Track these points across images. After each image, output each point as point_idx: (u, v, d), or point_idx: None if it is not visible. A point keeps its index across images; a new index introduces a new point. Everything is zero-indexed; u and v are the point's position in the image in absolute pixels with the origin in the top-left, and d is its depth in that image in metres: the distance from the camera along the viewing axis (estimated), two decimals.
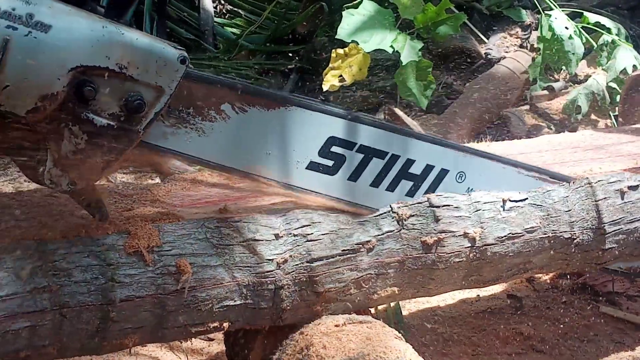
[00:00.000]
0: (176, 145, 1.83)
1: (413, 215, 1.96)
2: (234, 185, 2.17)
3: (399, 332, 1.86)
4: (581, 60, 4.14)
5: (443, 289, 2.08)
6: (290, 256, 1.84)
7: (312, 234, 1.87)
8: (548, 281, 2.79)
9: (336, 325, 1.83)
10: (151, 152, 1.83)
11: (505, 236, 2.03)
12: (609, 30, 4.16)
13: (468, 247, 1.99)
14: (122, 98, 1.68)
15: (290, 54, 4.91)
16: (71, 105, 1.64)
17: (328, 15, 4.76)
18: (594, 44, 4.16)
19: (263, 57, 4.96)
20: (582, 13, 4.25)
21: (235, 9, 5.37)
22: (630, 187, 2.19)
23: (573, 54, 3.96)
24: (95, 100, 1.66)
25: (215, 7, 5.29)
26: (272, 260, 1.82)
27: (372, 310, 2.10)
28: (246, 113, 1.86)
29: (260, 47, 4.98)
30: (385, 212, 1.95)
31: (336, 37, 3.59)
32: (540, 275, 2.71)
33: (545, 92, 4.40)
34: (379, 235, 1.92)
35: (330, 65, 3.62)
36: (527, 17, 5.01)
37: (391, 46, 3.59)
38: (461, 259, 1.99)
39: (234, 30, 5.21)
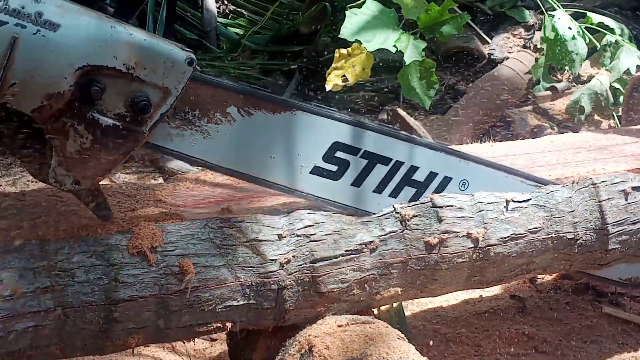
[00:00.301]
0: (181, 147, 1.83)
1: (416, 216, 1.96)
2: (237, 185, 2.18)
3: (402, 333, 1.86)
4: (584, 61, 4.13)
5: (446, 290, 2.08)
6: (294, 256, 1.84)
7: (315, 234, 1.87)
8: (551, 282, 2.78)
9: (339, 326, 1.84)
10: (156, 153, 1.83)
11: (508, 237, 2.03)
12: (612, 31, 4.15)
13: (471, 247, 1.99)
14: (128, 98, 1.68)
15: (294, 54, 4.90)
16: (77, 105, 1.65)
17: (331, 15, 4.76)
18: (597, 44, 4.15)
19: (266, 57, 4.95)
20: (586, 13, 4.24)
21: (238, 9, 5.37)
22: (634, 188, 2.19)
23: (576, 54, 3.96)
24: (102, 100, 1.66)
25: (218, 8, 5.28)
26: (275, 260, 1.82)
27: (375, 311, 2.10)
28: (252, 116, 1.87)
29: (263, 47, 4.98)
30: (388, 213, 1.95)
31: (339, 36, 3.59)
32: (543, 275, 2.71)
33: (549, 92, 4.39)
34: (382, 235, 1.92)
35: (333, 65, 3.62)
36: (531, 17, 5.00)
37: (394, 46, 3.59)
38: (464, 260, 1.99)
39: (237, 30, 5.21)
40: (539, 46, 4.45)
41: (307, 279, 1.85)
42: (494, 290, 2.72)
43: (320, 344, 1.77)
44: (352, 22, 3.58)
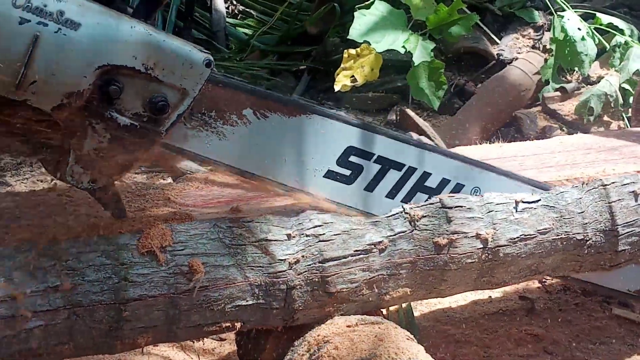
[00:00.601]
0: (196, 148, 1.83)
1: (425, 216, 1.96)
2: (246, 185, 2.18)
3: (411, 333, 1.86)
4: (594, 62, 4.12)
5: (455, 290, 2.07)
6: (303, 256, 1.84)
7: (324, 234, 1.87)
8: (560, 283, 2.78)
9: (348, 326, 1.84)
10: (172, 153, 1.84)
11: (517, 237, 2.03)
12: (621, 32, 4.15)
13: (480, 248, 1.99)
14: (146, 98, 1.69)
15: (302, 55, 4.91)
16: (96, 104, 1.66)
17: (340, 15, 4.76)
18: (606, 45, 4.14)
19: (275, 57, 4.96)
20: (595, 14, 4.23)
21: (247, 10, 5.38)
22: None
23: (586, 55, 3.95)
24: (120, 100, 1.67)
25: (227, 8, 5.29)
26: (284, 260, 1.82)
27: (384, 311, 2.10)
28: (267, 119, 1.87)
29: (272, 48, 4.99)
30: (397, 213, 1.95)
31: (348, 37, 3.59)
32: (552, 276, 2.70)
33: (558, 93, 4.38)
34: (391, 235, 1.92)
35: (342, 65, 3.62)
36: (540, 18, 4.99)
37: (403, 47, 3.59)
38: (473, 260, 1.99)
39: (246, 30, 5.22)
40: (548, 47, 4.44)
41: (316, 279, 1.85)
42: (503, 291, 2.72)
43: (329, 344, 1.77)
44: (360, 22, 3.58)
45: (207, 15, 5.13)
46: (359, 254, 1.88)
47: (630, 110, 3.94)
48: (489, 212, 2.01)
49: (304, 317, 1.87)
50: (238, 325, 1.81)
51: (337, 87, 3.63)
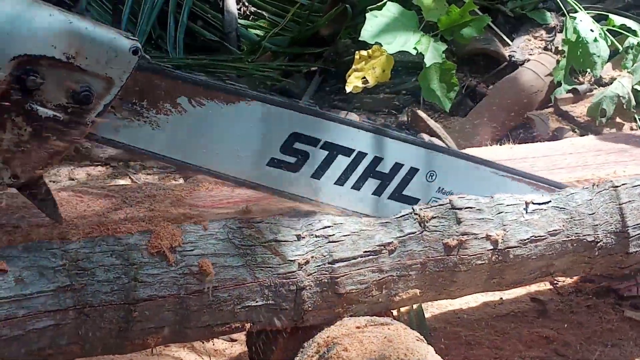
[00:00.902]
0: (127, 139, 1.78)
1: (435, 217, 1.95)
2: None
3: (421, 335, 1.85)
4: (606, 63, 4.10)
5: (465, 292, 2.07)
6: (312, 257, 1.84)
7: (334, 235, 1.87)
8: (572, 285, 2.77)
9: (357, 327, 1.83)
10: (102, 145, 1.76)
11: (528, 239, 2.02)
12: (634, 33, 4.12)
13: (490, 249, 1.99)
14: (69, 89, 1.63)
15: (314, 56, 4.91)
16: (14, 96, 1.60)
17: (352, 17, 4.76)
18: (619, 46, 4.12)
19: (286, 58, 4.96)
20: (608, 15, 4.21)
21: (259, 11, 5.38)
22: None
23: (598, 56, 3.93)
24: (40, 91, 1.61)
25: (239, 9, 5.30)
26: (293, 261, 1.82)
27: (395, 313, 2.10)
28: (204, 107, 1.81)
29: (283, 49, 4.99)
30: (407, 214, 1.95)
31: (359, 39, 3.59)
32: (563, 278, 2.69)
33: (570, 95, 4.36)
34: (401, 236, 1.92)
35: (353, 67, 3.62)
36: (552, 19, 4.97)
37: (415, 48, 3.59)
38: (483, 262, 1.99)
39: (258, 32, 5.22)
40: (560, 48, 4.42)
41: (326, 280, 1.85)
42: (515, 292, 2.71)
43: (338, 345, 1.77)
44: (372, 24, 3.58)
45: (219, 17, 5.14)
46: (368, 255, 1.88)
47: None
48: (499, 213, 2.01)
49: (314, 318, 1.87)
50: (248, 325, 1.81)
51: (348, 89, 3.62)
